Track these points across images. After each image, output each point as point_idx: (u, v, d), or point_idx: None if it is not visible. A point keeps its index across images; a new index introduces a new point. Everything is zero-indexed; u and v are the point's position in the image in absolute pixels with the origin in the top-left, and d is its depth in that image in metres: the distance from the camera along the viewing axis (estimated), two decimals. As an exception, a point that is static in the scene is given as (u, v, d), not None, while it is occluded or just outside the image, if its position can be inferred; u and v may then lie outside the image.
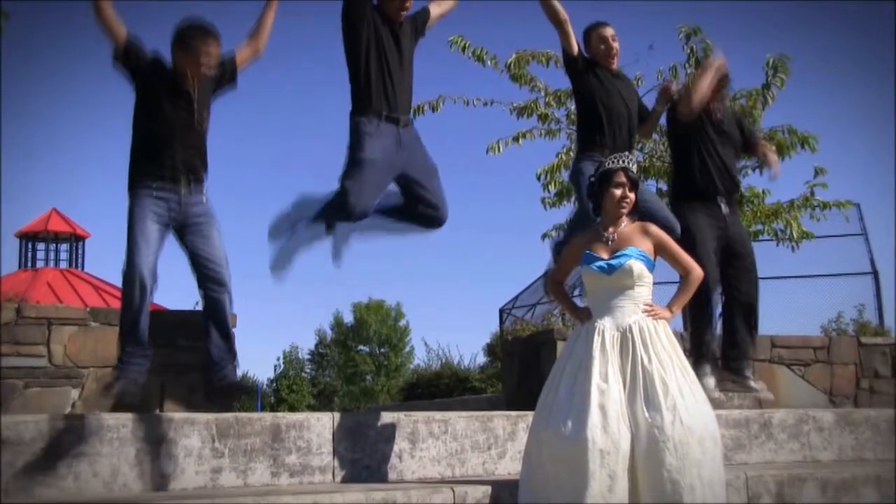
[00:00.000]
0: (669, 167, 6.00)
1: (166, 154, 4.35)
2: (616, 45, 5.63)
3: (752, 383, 5.71)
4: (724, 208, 5.71)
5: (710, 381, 5.27)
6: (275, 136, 56.76)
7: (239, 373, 4.37)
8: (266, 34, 4.74)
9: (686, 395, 3.96)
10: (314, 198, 4.71)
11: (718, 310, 5.65)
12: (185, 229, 4.41)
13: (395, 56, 4.84)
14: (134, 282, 4.14)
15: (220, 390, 4.27)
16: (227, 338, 4.45)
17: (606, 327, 4.13)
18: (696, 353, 5.32)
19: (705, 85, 5.58)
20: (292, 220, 4.69)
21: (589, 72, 5.54)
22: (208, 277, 4.39)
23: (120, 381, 3.95)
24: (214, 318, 4.42)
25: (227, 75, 4.66)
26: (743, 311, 5.73)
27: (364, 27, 4.75)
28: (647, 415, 3.90)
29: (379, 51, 4.78)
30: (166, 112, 4.38)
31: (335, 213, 4.64)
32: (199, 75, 4.41)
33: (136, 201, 4.29)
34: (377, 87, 4.75)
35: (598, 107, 5.44)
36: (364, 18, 4.75)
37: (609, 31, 5.61)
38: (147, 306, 4.22)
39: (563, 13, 5.49)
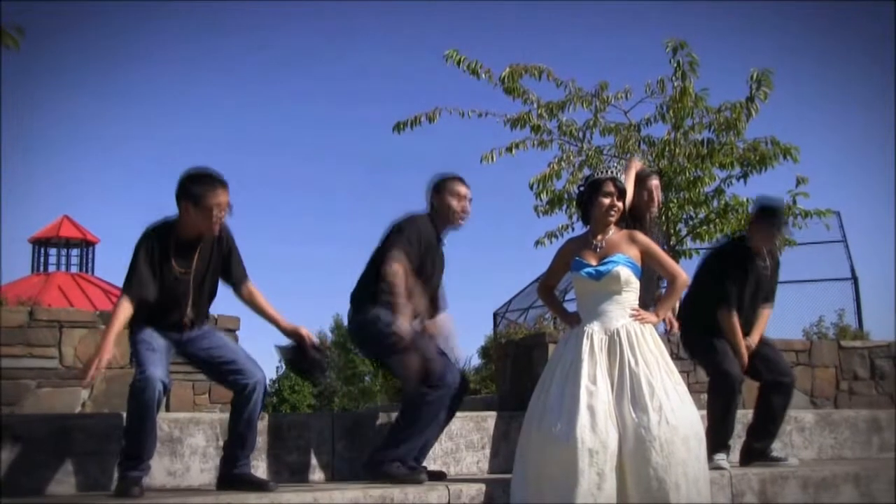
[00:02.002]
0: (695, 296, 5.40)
1: (168, 317, 4.07)
2: (658, 194, 5.51)
3: (780, 455, 5.32)
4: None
5: (725, 463, 4.91)
6: (264, 150, 56.81)
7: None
8: (259, 312, 4.37)
9: (672, 396, 3.97)
10: None
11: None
12: (192, 343, 4.15)
13: (440, 265, 4.67)
14: (146, 398, 3.79)
15: (231, 477, 4.11)
16: (250, 436, 4.10)
17: (595, 331, 4.14)
18: (715, 444, 4.80)
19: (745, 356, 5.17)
20: None
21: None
22: (233, 371, 4.08)
23: (135, 489, 3.71)
24: (246, 409, 4.05)
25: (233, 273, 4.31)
26: (785, 394, 5.29)
27: (425, 247, 4.52)
28: (633, 415, 3.91)
29: (432, 262, 4.58)
30: (169, 280, 4.04)
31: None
32: (211, 231, 4.09)
33: (138, 336, 4.02)
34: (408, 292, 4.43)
35: None
36: (431, 243, 4.55)
37: (654, 182, 5.50)
38: (155, 420, 3.92)
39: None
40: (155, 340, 4.00)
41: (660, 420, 3.87)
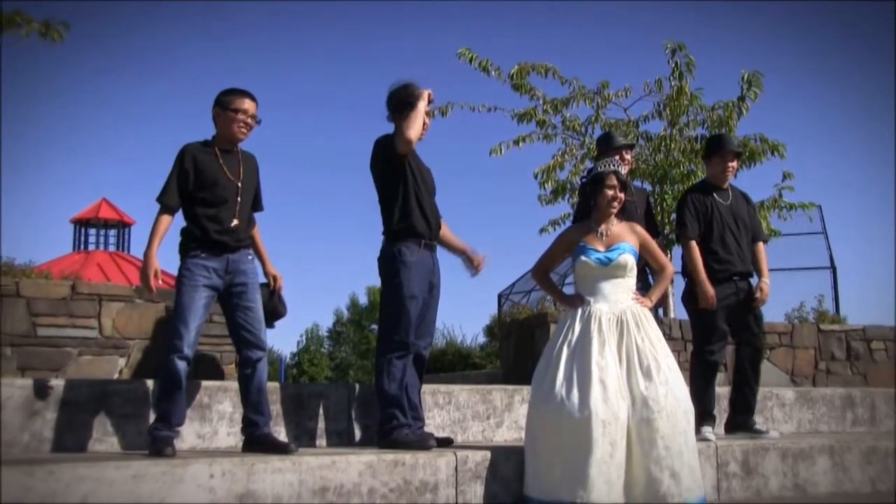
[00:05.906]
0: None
1: (213, 229, 4.11)
2: (629, 157, 5.65)
3: (762, 428, 5.39)
4: (741, 283, 5.34)
5: (711, 435, 4.97)
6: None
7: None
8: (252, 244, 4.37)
9: (674, 371, 4.02)
10: None
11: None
12: (231, 295, 4.15)
13: (430, 180, 4.56)
14: (174, 370, 3.92)
15: (255, 439, 4.09)
16: (263, 402, 4.15)
17: (603, 311, 4.14)
18: (700, 416, 4.77)
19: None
20: None
21: None
22: (250, 343, 4.13)
23: (168, 448, 3.74)
24: (255, 379, 4.13)
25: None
26: (752, 364, 5.38)
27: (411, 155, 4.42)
28: (643, 387, 3.93)
29: (421, 175, 4.46)
30: (209, 192, 4.14)
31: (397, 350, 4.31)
32: (237, 135, 4.21)
33: (187, 267, 4.06)
34: (419, 213, 4.41)
35: None
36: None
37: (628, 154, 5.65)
38: (184, 389, 3.99)
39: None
40: (199, 292, 4.02)
41: (667, 393, 3.91)
